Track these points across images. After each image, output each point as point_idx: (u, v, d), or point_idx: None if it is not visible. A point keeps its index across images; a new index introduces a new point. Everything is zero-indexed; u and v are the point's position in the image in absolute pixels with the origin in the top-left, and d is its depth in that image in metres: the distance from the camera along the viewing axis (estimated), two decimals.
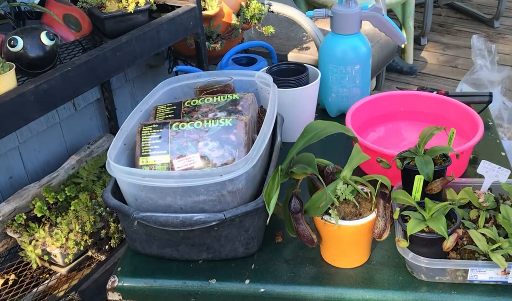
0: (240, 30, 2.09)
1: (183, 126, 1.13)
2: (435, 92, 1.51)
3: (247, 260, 1.11)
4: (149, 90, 1.32)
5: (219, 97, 1.25)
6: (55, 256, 1.58)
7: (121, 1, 1.69)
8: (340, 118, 1.55)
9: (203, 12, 1.91)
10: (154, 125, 1.14)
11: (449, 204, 1.02)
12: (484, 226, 1.03)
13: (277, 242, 1.15)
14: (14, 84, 1.33)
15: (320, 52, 1.57)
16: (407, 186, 1.12)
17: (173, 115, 1.22)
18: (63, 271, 1.60)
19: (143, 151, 1.12)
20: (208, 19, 1.99)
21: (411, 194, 1.06)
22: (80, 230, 1.55)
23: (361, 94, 1.55)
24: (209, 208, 1.04)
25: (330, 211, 1.01)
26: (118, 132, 1.16)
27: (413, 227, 0.97)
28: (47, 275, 1.64)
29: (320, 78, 1.48)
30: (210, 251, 1.09)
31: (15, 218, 1.55)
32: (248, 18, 2.12)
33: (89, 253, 1.63)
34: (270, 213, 1.00)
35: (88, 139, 2.00)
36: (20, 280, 1.61)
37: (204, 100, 1.25)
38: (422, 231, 0.98)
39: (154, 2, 1.77)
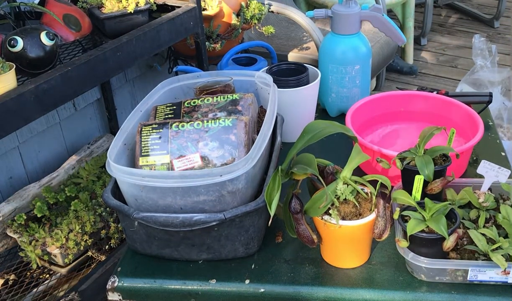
0: (240, 30, 2.09)
1: (183, 126, 1.13)
2: (435, 92, 1.51)
3: (247, 260, 1.11)
4: (149, 90, 1.32)
5: (219, 97, 1.25)
6: (55, 256, 1.58)
7: (121, 1, 1.69)
8: (340, 118, 1.55)
9: (203, 12, 1.91)
10: (154, 125, 1.14)
11: (449, 204, 1.02)
12: (484, 226, 1.03)
13: (277, 242, 1.15)
14: (14, 84, 1.33)
15: (320, 52, 1.57)
16: (407, 186, 1.12)
17: (173, 115, 1.22)
18: (63, 271, 1.60)
19: (143, 151, 1.12)
20: (208, 19, 1.99)
21: (411, 194, 1.06)
22: (80, 230, 1.55)
23: (361, 94, 1.55)
24: (209, 208, 1.04)
25: (330, 211, 1.01)
26: (118, 132, 1.16)
27: (413, 227, 0.97)
28: (47, 275, 1.64)
29: (320, 78, 1.48)
30: (210, 251, 1.09)
31: (15, 218, 1.55)
32: (248, 18, 2.12)
33: (89, 253, 1.63)
34: (272, 213, 1.01)
35: (88, 139, 2.00)
36: (20, 280, 1.61)
37: (204, 100, 1.25)
38: (422, 231, 0.98)
39: (154, 2, 1.77)
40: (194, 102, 1.25)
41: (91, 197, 1.66)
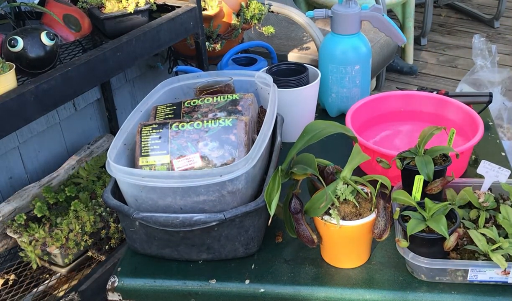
0: (240, 30, 2.09)
1: (183, 126, 1.13)
2: (435, 92, 1.51)
3: (247, 260, 1.11)
4: (149, 90, 1.32)
5: (219, 97, 1.25)
6: (55, 256, 1.58)
7: (121, 1, 1.69)
8: (340, 118, 1.55)
9: (203, 12, 1.91)
10: (154, 125, 1.14)
11: (449, 204, 1.02)
12: (484, 226, 1.03)
13: (277, 242, 1.15)
14: (14, 84, 1.33)
15: (320, 52, 1.57)
16: (407, 186, 1.12)
17: (173, 115, 1.22)
18: (63, 271, 1.60)
19: (143, 151, 1.12)
20: (208, 19, 1.99)
21: (411, 194, 1.06)
22: (80, 230, 1.55)
23: (361, 94, 1.55)
24: (209, 208, 1.04)
25: (330, 211, 1.01)
26: (118, 132, 1.16)
27: (413, 227, 0.97)
28: (47, 275, 1.64)
29: (320, 78, 1.48)
30: (210, 251, 1.09)
31: (15, 218, 1.55)
32: (248, 18, 2.12)
33: (89, 253, 1.63)
34: (271, 213, 1.01)
35: (88, 139, 2.00)
36: (20, 280, 1.61)
37: (204, 100, 1.25)
38: (422, 231, 0.98)
39: (154, 2, 1.77)
40: (194, 102, 1.25)
41: (91, 197, 1.66)
